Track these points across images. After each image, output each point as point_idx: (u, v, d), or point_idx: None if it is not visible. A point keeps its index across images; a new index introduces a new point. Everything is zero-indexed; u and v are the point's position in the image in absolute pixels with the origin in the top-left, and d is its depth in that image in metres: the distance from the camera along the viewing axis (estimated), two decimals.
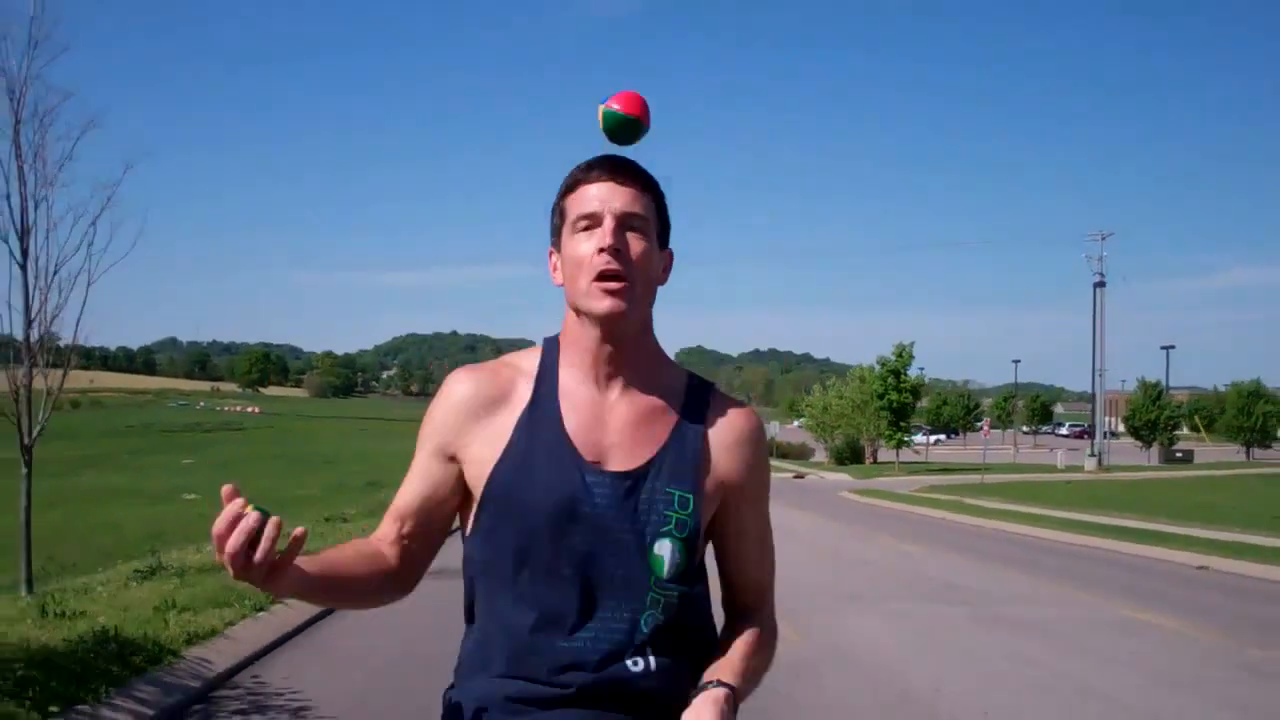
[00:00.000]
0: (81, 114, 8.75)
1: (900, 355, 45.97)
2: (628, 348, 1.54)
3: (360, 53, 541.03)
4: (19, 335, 8.28)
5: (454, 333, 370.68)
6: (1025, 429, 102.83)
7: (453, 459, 1.55)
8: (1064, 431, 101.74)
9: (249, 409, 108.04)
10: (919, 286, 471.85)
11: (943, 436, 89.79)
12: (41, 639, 5.75)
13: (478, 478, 1.52)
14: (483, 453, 1.52)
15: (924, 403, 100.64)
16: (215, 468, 34.56)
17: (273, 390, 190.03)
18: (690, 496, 1.51)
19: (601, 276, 1.48)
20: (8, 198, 8.02)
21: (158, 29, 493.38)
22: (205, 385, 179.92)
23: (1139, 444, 58.83)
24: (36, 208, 8.13)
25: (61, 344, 8.58)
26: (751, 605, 1.64)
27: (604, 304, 1.48)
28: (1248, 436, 57.92)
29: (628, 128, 1.54)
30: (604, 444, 1.51)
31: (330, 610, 7.64)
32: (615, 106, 1.54)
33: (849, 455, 56.73)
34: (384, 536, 1.56)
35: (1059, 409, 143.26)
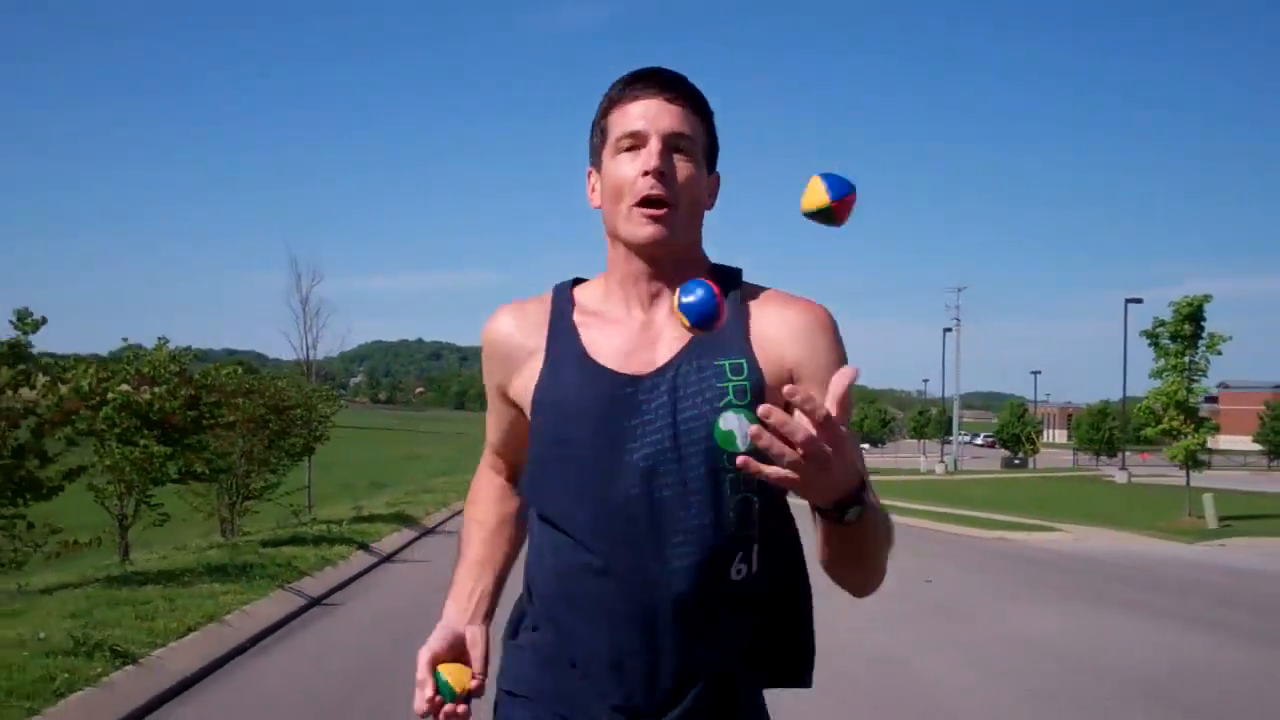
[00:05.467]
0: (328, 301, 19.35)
1: None
2: (672, 272, 1.45)
3: (325, 59, 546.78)
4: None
5: (419, 340, 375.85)
6: (947, 439, 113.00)
7: (505, 397, 1.54)
8: (979, 441, 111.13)
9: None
10: (892, 297, 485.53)
11: (866, 446, 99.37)
12: (375, 511, 16.69)
13: (525, 407, 1.49)
14: (526, 384, 1.48)
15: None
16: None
17: None
18: (743, 361, 1.40)
19: (644, 202, 1.40)
20: (305, 348, 18.77)
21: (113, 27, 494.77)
22: None
23: (1010, 453, 70.28)
24: (313, 348, 18.88)
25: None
26: None
27: (645, 230, 1.41)
28: (1097, 447, 69.10)
29: None
30: (643, 356, 1.43)
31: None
32: None
33: None
34: (494, 465, 1.67)
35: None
